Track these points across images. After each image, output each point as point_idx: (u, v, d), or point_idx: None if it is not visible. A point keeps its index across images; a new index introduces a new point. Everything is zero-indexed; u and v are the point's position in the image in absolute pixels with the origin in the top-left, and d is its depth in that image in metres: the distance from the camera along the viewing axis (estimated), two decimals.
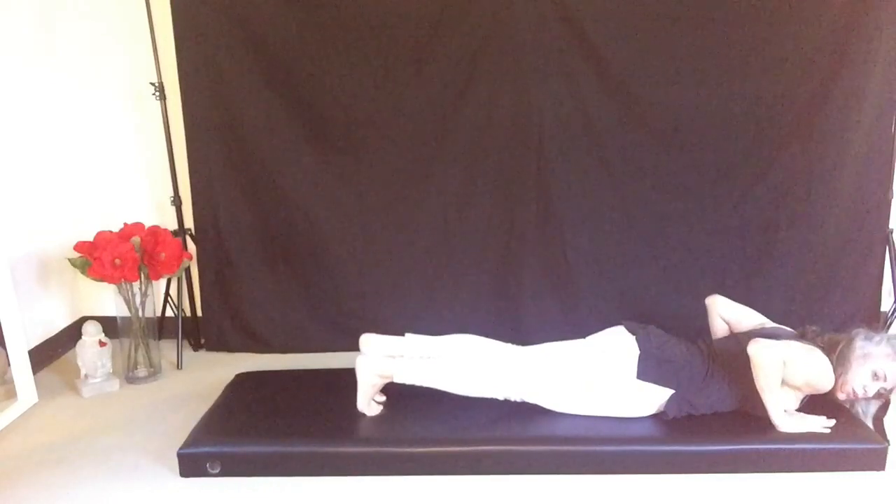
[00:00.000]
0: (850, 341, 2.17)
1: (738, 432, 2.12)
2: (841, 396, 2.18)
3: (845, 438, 2.08)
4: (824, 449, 2.06)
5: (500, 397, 2.22)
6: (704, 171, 2.84)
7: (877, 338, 2.17)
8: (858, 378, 2.13)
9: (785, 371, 2.06)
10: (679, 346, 2.23)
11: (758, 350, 2.07)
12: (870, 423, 2.15)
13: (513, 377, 2.21)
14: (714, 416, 2.17)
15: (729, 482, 2.02)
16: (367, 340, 2.32)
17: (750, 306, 2.44)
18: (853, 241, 2.92)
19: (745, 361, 2.11)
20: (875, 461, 2.05)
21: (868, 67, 2.71)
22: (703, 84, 2.75)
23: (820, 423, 2.10)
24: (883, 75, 2.74)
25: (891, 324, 3.03)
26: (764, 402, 2.08)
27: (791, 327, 2.33)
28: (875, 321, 3.00)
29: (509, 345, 2.32)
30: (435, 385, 2.21)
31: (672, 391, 2.14)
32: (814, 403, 2.20)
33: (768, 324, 2.34)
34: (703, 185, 2.86)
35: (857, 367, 2.13)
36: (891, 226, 2.95)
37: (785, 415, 2.09)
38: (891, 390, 2.16)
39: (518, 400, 2.22)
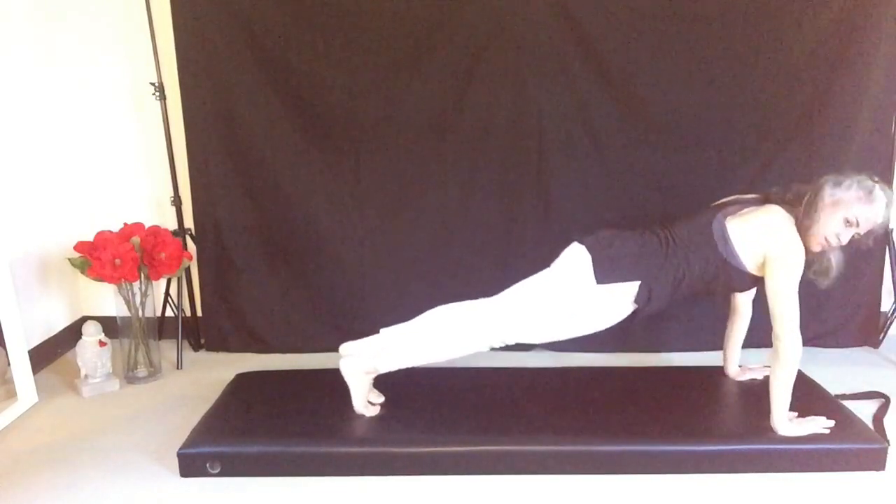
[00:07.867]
0: (819, 190, 2.08)
1: (738, 432, 2.12)
2: (815, 249, 2.09)
3: (845, 438, 2.08)
4: (824, 449, 2.06)
5: (485, 348, 2.22)
6: (704, 171, 2.84)
7: (846, 182, 2.06)
8: (830, 227, 2.05)
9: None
10: (631, 239, 2.18)
11: (790, 344, 2.02)
12: (832, 279, 2.12)
13: (489, 326, 2.20)
14: (713, 415, 2.16)
15: (729, 482, 2.02)
16: (347, 349, 2.31)
17: (750, 306, 2.45)
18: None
19: (705, 231, 2.12)
20: (875, 461, 2.05)
21: (868, 67, 2.71)
22: (703, 84, 2.75)
23: (820, 424, 2.09)
24: (883, 75, 2.74)
25: (891, 324, 3.03)
26: (772, 398, 2.07)
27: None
28: (875, 321, 3.00)
29: (479, 299, 2.29)
30: (422, 361, 2.20)
31: (639, 282, 2.11)
32: (813, 403, 2.20)
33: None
34: (704, 186, 2.85)
35: (827, 216, 2.05)
36: (891, 226, 2.95)
37: (786, 418, 2.08)
38: (865, 236, 2.09)
39: (501, 345, 2.21)
